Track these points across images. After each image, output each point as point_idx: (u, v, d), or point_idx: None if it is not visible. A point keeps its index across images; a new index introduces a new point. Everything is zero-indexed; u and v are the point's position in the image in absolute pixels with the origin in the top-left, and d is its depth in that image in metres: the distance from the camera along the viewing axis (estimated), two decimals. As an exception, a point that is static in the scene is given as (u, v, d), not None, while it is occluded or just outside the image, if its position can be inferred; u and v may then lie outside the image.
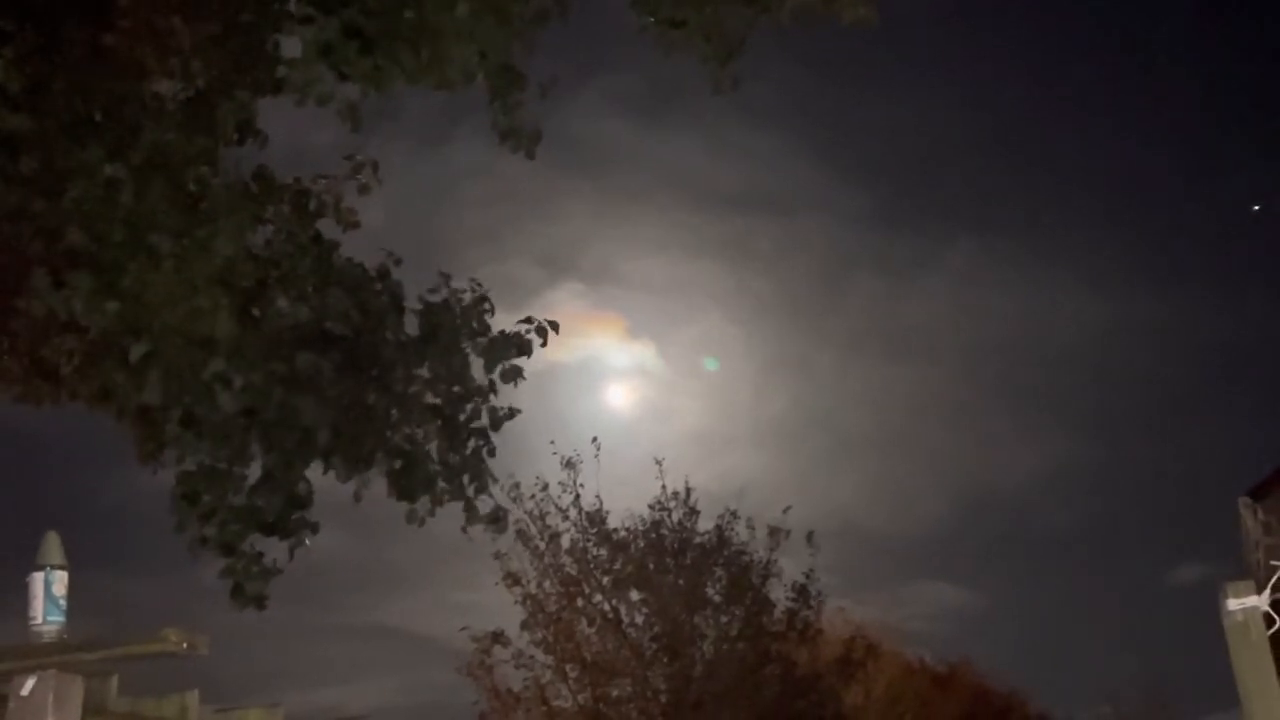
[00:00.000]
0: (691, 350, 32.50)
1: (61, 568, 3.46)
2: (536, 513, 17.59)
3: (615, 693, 17.66)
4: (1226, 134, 38.85)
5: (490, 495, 5.58)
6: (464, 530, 5.58)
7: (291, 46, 5.29)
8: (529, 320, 5.57)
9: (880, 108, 35.39)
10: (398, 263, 5.72)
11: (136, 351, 4.86)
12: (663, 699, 17.29)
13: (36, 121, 4.89)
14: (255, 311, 5.24)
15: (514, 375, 5.55)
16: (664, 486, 17.99)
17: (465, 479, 5.52)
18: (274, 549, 5.41)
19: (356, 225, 5.86)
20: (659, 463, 18.07)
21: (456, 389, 5.54)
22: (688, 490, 18.08)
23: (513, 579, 17.52)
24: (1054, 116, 37.26)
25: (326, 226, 5.91)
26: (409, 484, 5.46)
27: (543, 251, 29.68)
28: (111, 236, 4.80)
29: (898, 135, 34.98)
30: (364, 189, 5.79)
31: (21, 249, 5.54)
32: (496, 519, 5.61)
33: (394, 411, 5.51)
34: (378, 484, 5.49)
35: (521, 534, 17.36)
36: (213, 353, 4.98)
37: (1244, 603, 5.26)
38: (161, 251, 4.81)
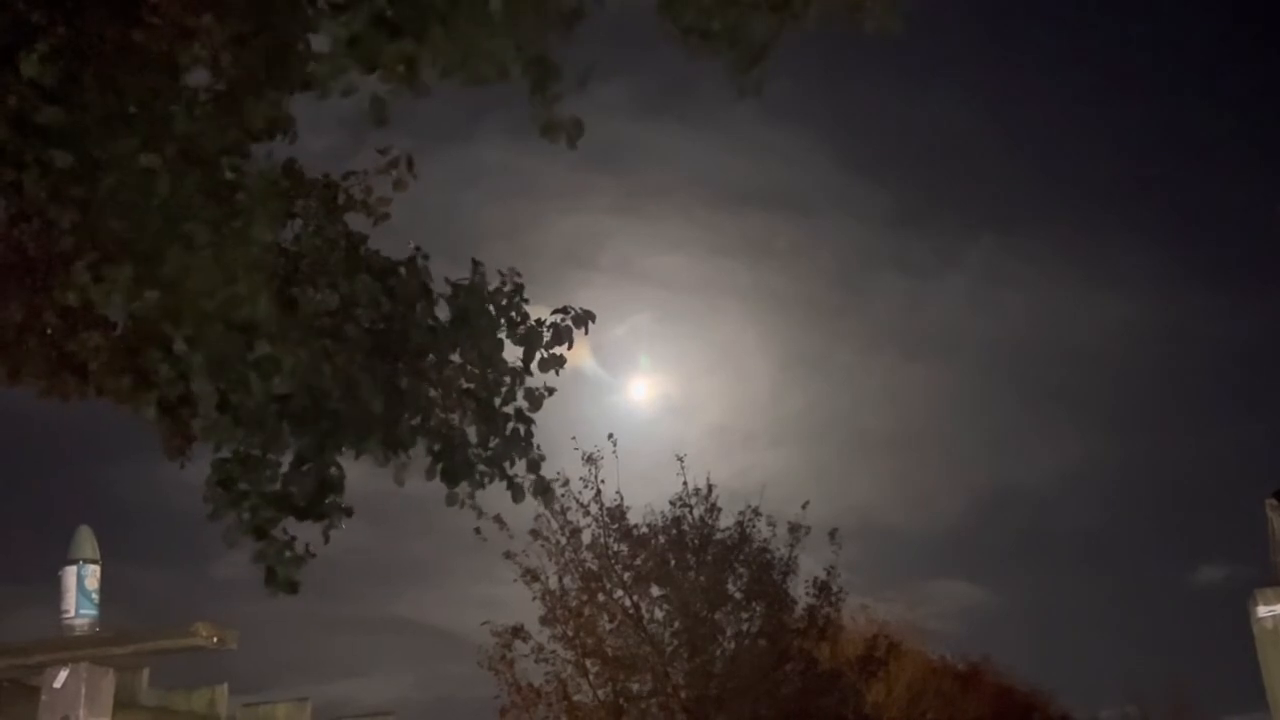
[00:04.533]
0: (709, 348, 32.45)
1: (94, 562, 3.49)
2: (558, 508, 17.63)
3: (636, 688, 17.68)
4: (1248, 134, 38.50)
5: (541, 474, 5.62)
6: (478, 532, 5.64)
7: (321, 44, 5.32)
8: (565, 310, 5.58)
9: (900, 106, 35.26)
10: (426, 258, 5.75)
11: (181, 343, 4.91)
12: (683, 695, 17.30)
13: (70, 114, 4.93)
14: (294, 293, 5.29)
15: (554, 364, 5.57)
16: (685, 483, 18.03)
17: (508, 462, 5.56)
18: (305, 535, 5.48)
19: (387, 217, 5.89)
20: (680, 459, 18.11)
21: (491, 374, 5.57)
22: (709, 487, 18.11)
23: (531, 576, 17.57)
24: (1074, 115, 36.99)
25: (353, 219, 5.95)
26: (450, 467, 5.49)
27: (561, 248, 29.71)
28: (148, 225, 4.84)
29: (918, 134, 34.84)
30: (399, 184, 5.81)
31: (52, 244, 5.58)
32: (544, 490, 5.66)
33: (427, 396, 5.55)
34: (412, 471, 5.53)
35: (536, 531, 17.41)
36: (255, 337, 5.03)
37: (1274, 610, 5.24)
38: (198, 240, 4.85)
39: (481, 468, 5.56)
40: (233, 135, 5.23)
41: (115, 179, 4.82)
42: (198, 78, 5.54)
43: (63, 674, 3.29)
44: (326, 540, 5.42)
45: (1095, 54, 37.13)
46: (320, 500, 5.38)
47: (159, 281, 4.85)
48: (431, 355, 5.56)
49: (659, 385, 28.39)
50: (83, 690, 3.27)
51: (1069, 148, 39.05)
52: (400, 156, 5.82)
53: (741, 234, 35.45)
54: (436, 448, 5.54)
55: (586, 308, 5.60)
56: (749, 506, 18.09)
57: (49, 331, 5.86)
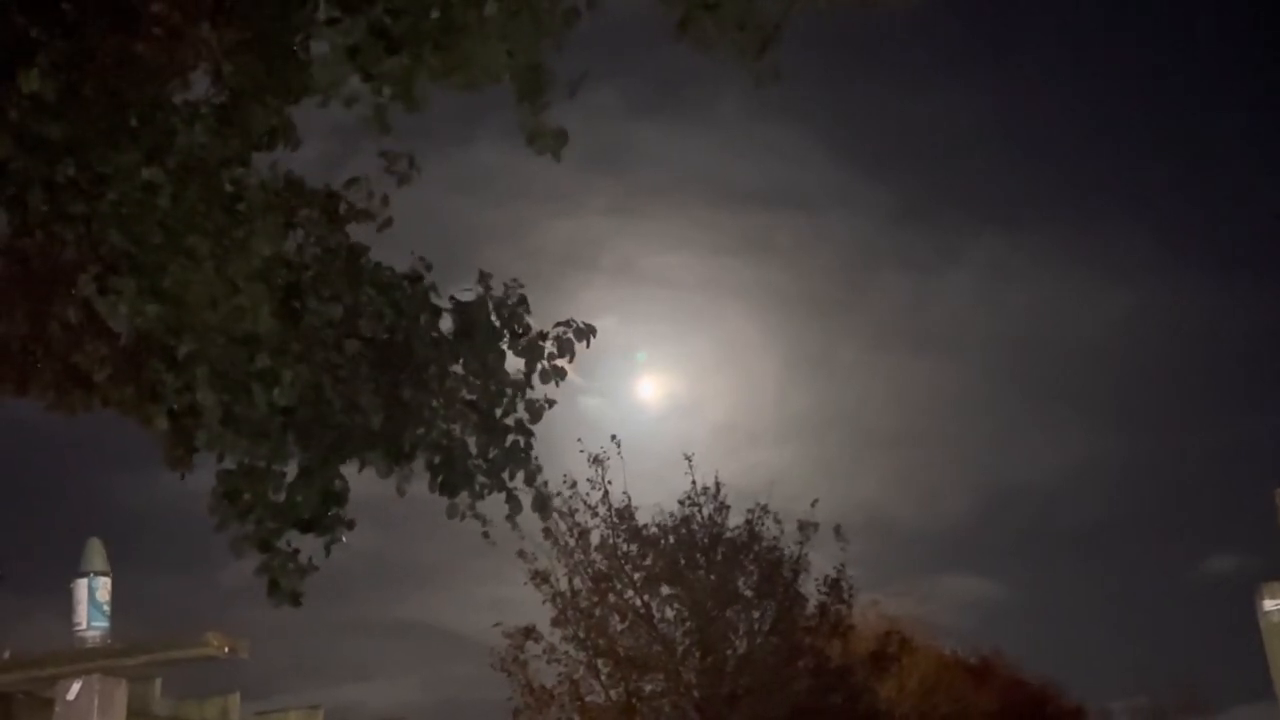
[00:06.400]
0: (713, 347, 32.41)
1: (104, 574, 3.49)
2: (565, 510, 17.65)
3: (648, 688, 17.70)
4: (1252, 126, 38.40)
5: (539, 485, 5.64)
6: (485, 535, 5.65)
7: (320, 50, 5.32)
8: (567, 323, 5.60)
9: (901, 102, 35.09)
10: (429, 268, 5.77)
11: (184, 349, 4.93)
12: (696, 694, 17.31)
13: (73, 128, 4.94)
14: (296, 305, 5.31)
15: (554, 375, 5.59)
16: (694, 482, 18.04)
17: (507, 473, 5.58)
18: (309, 546, 5.50)
19: (389, 223, 5.90)
20: (688, 458, 18.11)
21: (493, 385, 5.59)
22: (718, 485, 18.11)
23: (541, 577, 17.59)
24: (1076, 109, 36.87)
25: (355, 230, 5.96)
26: (449, 478, 5.51)
27: (562, 249, 29.66)
28: (150, 239, 4.86)
29: (920, 129, 34.67)
30: (404, 179, 5.80)
31: (56, 256, 5.59)
32: (543, 504, 5.68)
33: (429, 407, 5.57)
34: (416, 480, 5.55)
35: (547, 531, 17.42)
36: (256, 349, 5.05)
37: (1281, 603, 5.21)
38: (200, 253, 4.87)
39: (481, 479, 5.57)
40: (234, 145, 5.25)
41: (117, 193, 4.84)
42: (199, 88, 5.56)
43: (76, 686, 3.29)
44: (328, 553, 5.45)
45: (1097, 48, 37.03)
46: (324, 513, 5.40)
47: (161, 294, 4.86)
48: (434, 367, 5.57)
49: (664, 384, 28.35)
50: (96, 702, 3.27)
51: (1071, 142, 38.91)
52: (402, 155, 5.84)
53: (742, 232, 35.37)
54: (437, 459, 5.55)
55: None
56: (758, 504, 18.12)
57: (53, 344, 5.87)
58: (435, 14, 4.90)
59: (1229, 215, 39.80)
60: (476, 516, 5.59)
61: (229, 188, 5.14)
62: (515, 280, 5.75)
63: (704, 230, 34.13)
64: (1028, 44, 35.51)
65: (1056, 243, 38.96)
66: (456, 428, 5.62)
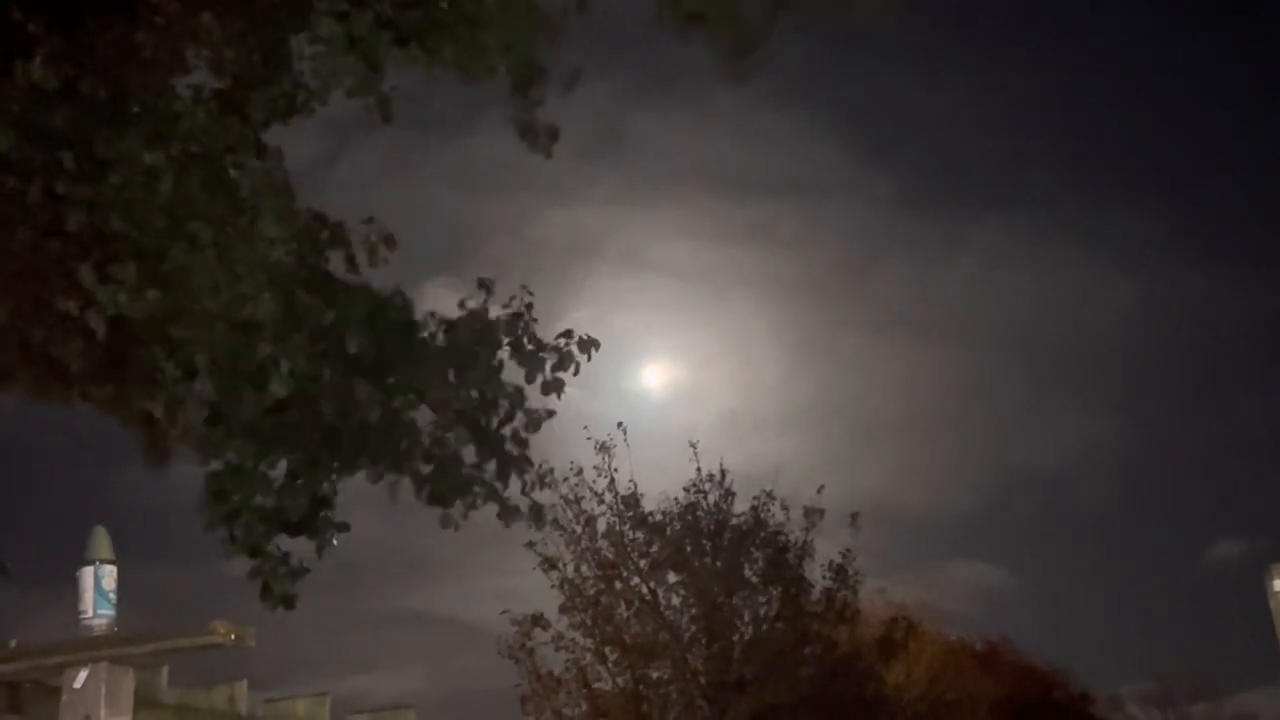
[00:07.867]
0: (718, 335, 32.40)
1: (110, 562, 3.51)
2: (571, 497, 17.67)
3: (655, 675, 17.72)
4: (1252, 110, 38.22)
5: (540, 492, 5.58)
6: (499, 516, 5.58)
7: (321, 41, 5.30)
8: (568, 334, 5.52)
9: (903, 89, 35.07)
10: (406, 296, 5.66)
11: (183, 335, 4.91)
12: (702, 680, 17.33)
13: (74, 116, 4.92)
14: (297, 298, 5.26)
15: (555, 388, 5.51)
16: (699, 469, 18.04)
17: (502, 484, 5.51)
18: (301, 547, 5.45)
19: (357, 272, 5.76)
20: (693, 446, 18.11)
21: (489, 395, 5.51)
22: (723, 472, 18.11)
23: (549, 564, 17.61)
24: (1078, 95, 36.76)
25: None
26: (441, 488, 5.46)
27: (566, 240, 29.66)
28: (152, 224, 4.84)
29: (922, 116, 34.67)
30: (374, 252, 5.63)
31: (47, 252, 5.56)
32: (536, 515, 5.61)
33: (417, 416, 5.49)
34: (406, 490, 5.49)
35: (554, 520, 17.41)
36: (258, 337, 5.01)
37: (1290, 583, 5.21)
38: (202, 239, 4.85)
39: (476, 488, 5.51)
40: (236, 131, 5.23)
41: (120, 178, 4.82)
42: (200, 74, 5.54)
43: (83, 674, 3.31)
44: (319, 556, 5.39)
45: (1099, 34, 36.88)
46: (313, 516, 5.36)
47: (163, 281, 4.84)
48: (422, 377, 5.49)
49: (669, 373, 28.41)
50: (103, 690, 3.29)
51: (1073, 127, 38.87)
52: (381, 236, 5.63)
53: (746, 221, 35.42)
54: (428, 470, 5.50)
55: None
56: (763, 491, 18.12)
57: (38, 336, 5.82)
58: (444, 4, 4.89)
59: (1234, 205, 39.71)
60: (493, 499, 5.52)
61: (232, 172, 5.11)
62: (524, 287, 5.62)
63: (707, 220, 34.19)
64: (1029, 31, 35.40)
65: (1061, 229, 38.95)
66: (450, 437, 5.54)
